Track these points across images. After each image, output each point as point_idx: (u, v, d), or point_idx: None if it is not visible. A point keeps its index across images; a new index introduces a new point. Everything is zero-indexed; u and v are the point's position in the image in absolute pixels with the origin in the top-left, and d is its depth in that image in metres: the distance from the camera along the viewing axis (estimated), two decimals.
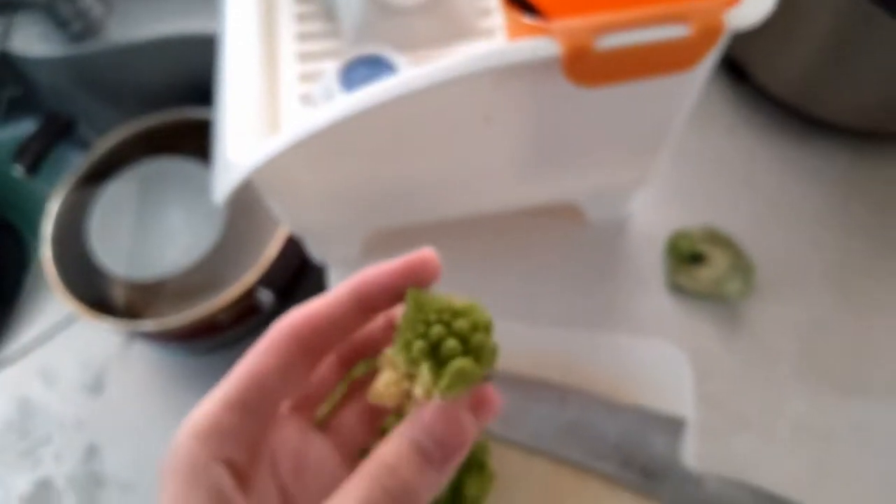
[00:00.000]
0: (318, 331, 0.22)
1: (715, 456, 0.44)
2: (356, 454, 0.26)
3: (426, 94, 0.29)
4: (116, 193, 0.54)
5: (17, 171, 0.51)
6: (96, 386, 0.54)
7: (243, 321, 0.52)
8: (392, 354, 0.20)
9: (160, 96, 0.55)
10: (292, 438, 0.24)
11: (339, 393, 0.26)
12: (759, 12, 0.28)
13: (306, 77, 0.41)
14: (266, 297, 0.50)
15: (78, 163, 0.53)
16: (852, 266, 0.51)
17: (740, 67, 0.56)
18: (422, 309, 0.19)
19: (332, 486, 0.24)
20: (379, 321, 0.25)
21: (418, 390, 0.19)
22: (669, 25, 0.28)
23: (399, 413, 0.34)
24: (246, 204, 0.51)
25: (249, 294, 0.49)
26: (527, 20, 0.30)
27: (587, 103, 0.33)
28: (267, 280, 0.49)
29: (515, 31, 0.31)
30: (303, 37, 0.43)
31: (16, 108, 0.55)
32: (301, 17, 0.43)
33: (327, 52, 0.42)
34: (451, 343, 0.19)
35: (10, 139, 0.54)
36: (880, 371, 0.47)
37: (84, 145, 0.57)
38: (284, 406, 0.24)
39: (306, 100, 0.40)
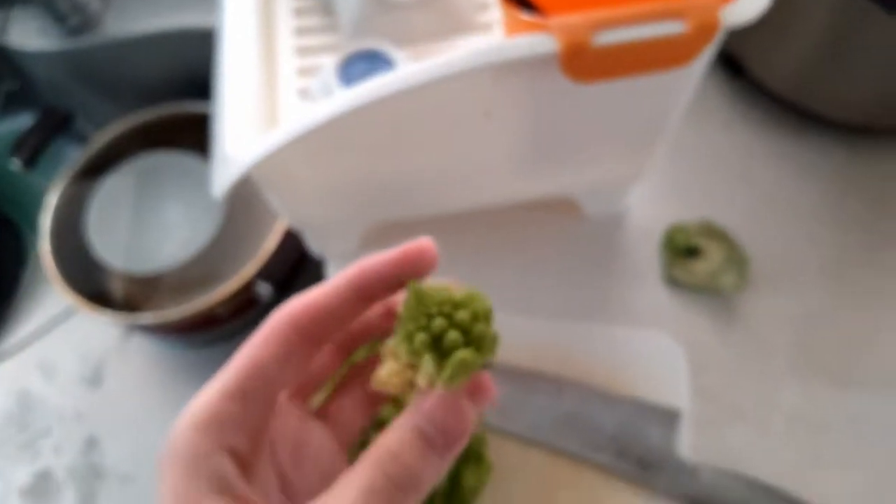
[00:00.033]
0: (317, 319, 0.22)
1: (710, 447, 0.44)
2: (353, 442, 0.26)
3: (425, 90, 0.30)
4: (114, 187, 0.54)
5: (15, 164, 0.51)
6: (95, 378, 0.54)
7: (242, 314, 0.52)
8: (394, 345, 0.20)
9: (158, 90, 0.55)
10: (291, 426, 0.24)
11: (335, 380, 0.26)
12: (755, 9, 0.29)
13: (304, 71, 0.41)
14: (265, 290, 0.50)
15: (75, 157, 0.53)
16: (847, 259, 0.51)
17: (737, 63, 0.56)
18: (423, 301, 0.20)
19: (330, 473, 0.24)
20: (376, 308, 0.25)
21: (421, 380, 0.19)
22: (666, 22, 0.29)
23: (397, 401, 0.35)
24: (244, 197, 0.51)
25: (248, 287, 0.49)
26: (525, 17, 0.30)
27: (585, 99, 0.34)
28: (265, 273, 0.49)
29: (513, 28, 0.31)
30: (301, 31, 0.43)
31: (13, 102, 0.55)
32: (299, 12, 0.43)
33: (325, 47, 0.42)
34: (453, 335, 0.19)
35: (8, 133, 0.54)
36: (874, 363, 0.47)
37: (81, 139, 0.57)
38: (283, 394, 0.24)
39: (304, 94, 0.40)
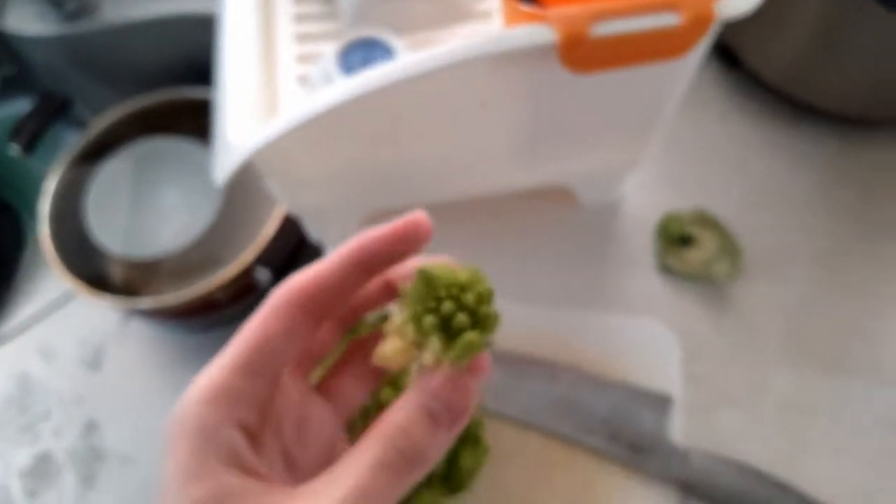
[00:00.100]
0: (320, 294, 0.22)
1: (701, 432, 0.45)
2: (352, 418, 0.26)
3: (424, 79, 0.30)
4: (113, 172, 0.54)
5: (13, 149, 0.51)
6: (95, 362, 0.54)
7: (241, 299, 0.52)
8: (400, 324, 0.21)
9: (156, 76, 0.55)
10: (293, 401, 0.24)
11: (335, 355, 0.27)
12: (749, 2, 0.29)
13: (304, 58, 0.42)
14: (263, 275, 0.51)
15: (74, 142, 0.53)
16: (838, 249, 0.52)
17: (733, 54, 0.57)
18: (431, 284, 0.20)
19: (330, 449, 0.25)
20: (373, 283, 0.25)
21: (428, 358, 0.20)
22: (662, 14, 0.29)
23: (395, 383, 0.35)
24: (243, 183, 0.51)
25: (247, 273, 0.49)
26: (524, 7, 0.31)
27: (582, 89, 0.34)
28: (264, 259, 0.50)
29: (512, 18, 0.32)
30: (300, 18, 0.43)
31: (10, 87, 0.55)
32: None
33: (325, 34, 0.42)
34: (462, 318, 0.20)
35: (6, 118, 0.53)
36: (864, 351, 0.48)
37: (80, 124, 0.57)
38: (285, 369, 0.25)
39: (304, 81, 0.41)
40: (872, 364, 0.48)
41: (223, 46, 0.38)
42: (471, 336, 0.20)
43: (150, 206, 0.53)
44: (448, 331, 0.20)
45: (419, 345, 0.21)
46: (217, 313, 0.52)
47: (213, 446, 0.20)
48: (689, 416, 0.46)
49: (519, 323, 0.47)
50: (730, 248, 0.50)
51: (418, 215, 0.23)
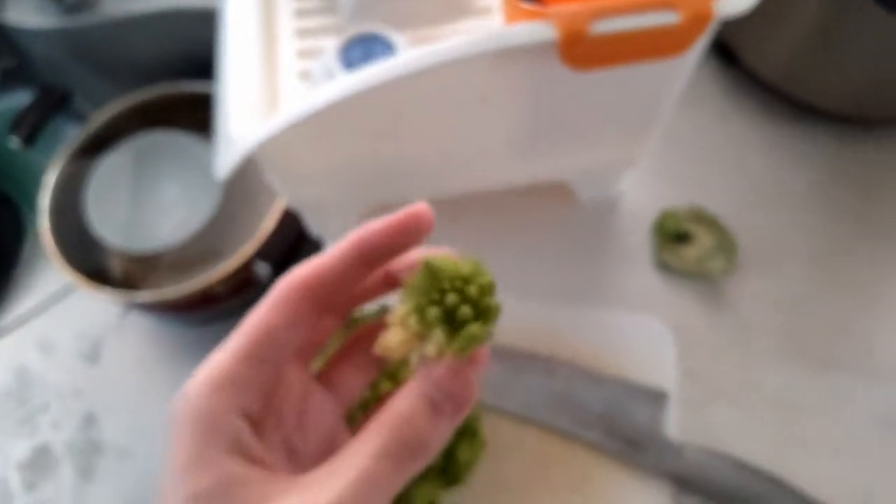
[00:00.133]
0: (324, 285, 0.23)
1: (696, 427, 0.46)
2: (352, 408, 0.26)
3: (425, 75, 0.30)
4: (113, 166, 0.54)
5: (14, 142, 0.51)
6: (93, 355, 0.55)
7: (240, 293, 0.52)
8: (404, 315, 0.21)
9: (156, 69, 0.55)
10: (295, 391, 0.24)
11: (335, 345, 0.27)
12: (747, 1, 0.30)
13: (304, 53, 0.42)
14: (263, 269, 0.51)
15: (74, 135, 0.53)
16: (832, 247, 0.52)
17: (731, 52, 0.57)
18: (435, 276, 0.21)
19: (331, 438, 0.25)
20: (374, 274, 0.25)
21: (431, 350, 0.20)
22: (661, 12, 0.29)
23: (392, 374, 0.35)
24: (243, 177, 0.52)
25: (246, 267, 0.50)
26: (524, 5, 0.31)
27: (581, 86, 0.34)
28: (264, 253, 0.50)
29: (513, 16, 0.32)
30: (301, 13, 0.43)
31: (10, 80, 0.55)
32: None
33: (325, 29, 0.42)
34: (465, 310, 0.20)
35: (6, 110, 0.53)
36: (856, 348, 0.49)
37: (80, 118, 0.57)
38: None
39: (305, 76, 0.41)
40: (865, 361, 0.48)
41: (224, 41, 0.39)
42: (474, 328, 0.20)
43: (149, 200, 0.54)
44: (451, 322, 0.20)
45: (422, 336, 0.21)
46: (216, 307, 0.53)
47: (218, 434, 0.20)
48: (684, 411, 0.46)
49: (517, 318, 0.48)
50: (726, 245, 0.51)
51: (420, 207, 0.23)
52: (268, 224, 0.50)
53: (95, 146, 0.54)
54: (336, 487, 0.19)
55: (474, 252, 0.22)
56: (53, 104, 0.54)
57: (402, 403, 0.21)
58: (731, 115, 0.57)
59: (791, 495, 0.42)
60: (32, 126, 0.52)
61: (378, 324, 0.26)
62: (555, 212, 0.53)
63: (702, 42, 0.33)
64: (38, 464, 0.51)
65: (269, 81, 0.40)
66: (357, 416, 0.26)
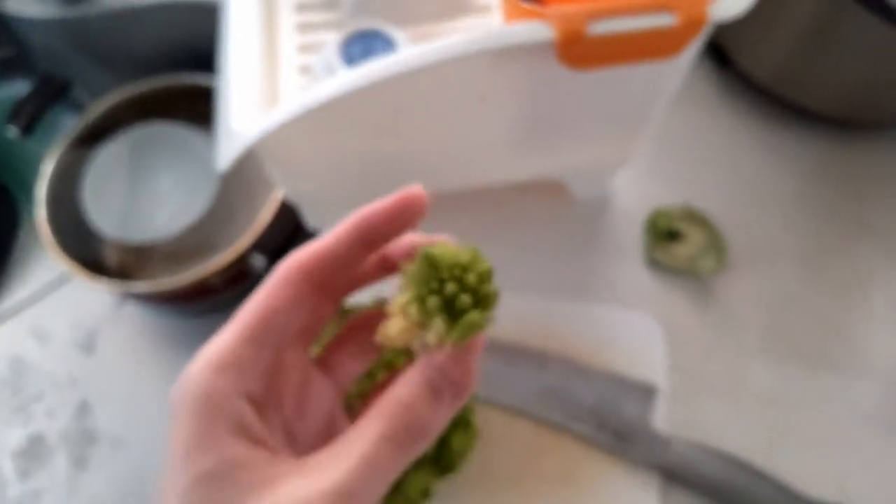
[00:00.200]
0: (324, 267, 0.23)
1: (684, 421, 0.47)
2: (349, 393, 0.26)
3: (425, 72, 0.31)
4: (110, 156, 0.54)
5: (12, 131, 0.51)
6: (88, 345, 0.55)
7: (236, 285, 0.53)
8: (404, 304, 0.21)
9: (154, 61, 0.55)
10: (295, 375, 0.24)
11: (331, 331, 0.27)
12: (741, 5, 0.30)
13: (305, 48, 0.42)
14: (259, 261, 0.51)
15: (72, 125, 0.53)
16: (821, 247, 0.53)
17: (725, 54, 0.57)
18: (434, 266, 0.21)
19: (329, 423, 0.25)
20: (371, 258, 0.25)
21: (431, 338, 0.21)
22: (657, 14, 0.30)
23: (389, 363, 0.36)
24: (240, 170, 0.52)
25: (242, 259, 0.50)
26: (524, 4, 0.32)
27: (578, 85, 0.35)
28: (260, 245, 0.50)
29: (512, 15, 0.33)
30: (301, 8, 0.43)
31: (9, 69, 0.55)
32: None
33: (326, 24, 0.43)
34: (464, 298, 0.20)
35: (4, 99, 0.53)
36: (842, 346, 0.50)
37: (78, 108, 0.57)
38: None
39: (305, 71, 0.41)
40: (849, 358, 0.49)
41: (226, 34, 0.39)
42: (473, 315, 0.20)
43: (146, 191, 0.54)
44: (451, 311, 0.20)
45: (422, 324, 0.21)
46: (212, 298, 0.53)
47: (221, 416, 0.20)
48: (672, 406, 0.47)
49: (511, 313, 0.48)
50: (716, 244, 0.51)
51: (414, 188, 0.23)
52: (264, 216, 0.50)
53: (93, 137, 0.54)
54: (339, 471, 0.19)
55: (471, 245, 0.22)
56: (52, 94, 0.54)
57: (404, 390, 0.21)
58: (724, 117, 0.58)
59: (775, 488, 0.43)
60: (31, 116, 0.52)
61: (374, 311, 0.26)
62: (549, 208, 0.53)
63: (696, 44, 0.34)
64: (32, 452, 0.51)
65: (270, 75, 0.41)
66: (355, 404, 0.27)
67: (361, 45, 0.39)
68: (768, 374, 0.49)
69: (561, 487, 0.44)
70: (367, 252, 0.23)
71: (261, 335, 0.22)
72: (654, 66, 0.34)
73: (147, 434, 0.51)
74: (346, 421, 0.26)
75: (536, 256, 0.52)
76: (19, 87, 0.54)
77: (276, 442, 0.22)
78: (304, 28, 0.43)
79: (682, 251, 0.51)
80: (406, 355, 0.23)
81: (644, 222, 0.53)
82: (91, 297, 0.56)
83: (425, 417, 0.21)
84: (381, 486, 0.20)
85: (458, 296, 0.20)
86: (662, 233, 0.52)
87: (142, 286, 0.49)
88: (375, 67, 0.31)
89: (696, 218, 0.53)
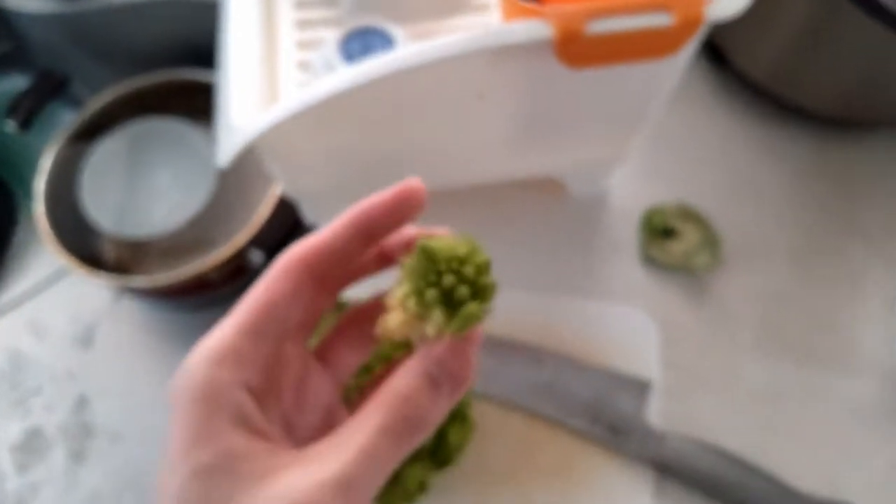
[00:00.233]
0: (323, 260, 0.23)
1: (677, 416, 0.47)
2: (347, 385, 0.26)
3: (425, 70, 0.31)
4: (108, 151, 0.54)
5: (10, 126, 0.51)
6: (86, 339, 0.55)
7: (234, 280, 0.53)
8: (402, 298, 0.21)
9: (153, 57, 0.56)
10: (293, 366, 0.24)
11: (331, 323, 0.27)
12: (737, 6, 0.31)
13: (304, 45, 0.42)
14: (257, 257, 0.51)
15: (70, 120, 0.53)
16: (814, 244, 0.54)
17: (721, 53, 0.58)
18: (431, 259, 0.21)
19: (328, 415, 0.25)
20: (369, 251, 0.25)
21: (430, 330, 0.21)
22: (654, 14, 0.30)
23: (385, 356, 0.36)
24: (238, 165, 0.52)
25: (240, 254, 0.50)
26: (523, 3, 0.32)
27: (575, 83, 0.35)
28: (258, 240, 0.50)
29: (511, 13, 0.33)
30: (301, 4, 0.43)
31: (7, 64, 0.55)
32: None
33: (325, 21, 0.43)
34: (463, 290, 0.20)
35: (2, 94, 0.53)
36: (832, 340, 0.50)
37: (76, 103, 0.57)
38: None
39: (304, 67, 0.41)
40: (842, 354, 0.50)
41: (226, 30, 0.39)
42: (472, 307, 0.20)
43: (144, 186, 0.54)
44: (449, 303, 0.21)
45: (421, 317, 0.21)
46: (210, 293, 0.53)
47: (221, 406, 0.20)
48: (666, 401, 0.48)
49: (507, 308, 0.49)
50: (710, 240, 0.52)
51: (413, 181, 0.23)
52: (262, 212, 0.50)
53: (91, 132, 0.54)
54: (339, 462, 0.20)
55: None
56: (50, 89, 0.54)
57: (402, 382, 0.21)
58: (720, 115, 0.59)
59: (767, 482, 0.43)
60: (29, 110, 0.52)
61: (371, 304, 0.26)
62: (546, 205, 0.54)
63: (693, 43, 0.34)
64: (31, 446, 0.51)
65: (269, 71, 0.41)
66: (353, 398, 0.27)
67: (360, 42, 0.39)
68: (761, 369, 0.49)
69: (556, 481, 0.45)
70: (367, 245, 0.23)
71: (260, 327, 0.22)
72: (652, 65, 0.34)
73: (145, 428, 0.51)
74: (345, 413, 0.26)
75: (533, 253, 0.53)
76: (18, 82, 0.54)
77: (275, 433, 0.22)
78: (303, 24, 0.43)
79: (677, 248, 0.52)
80: (403, 348, 0.23)
81: (639, 219, 0.54)
82: (89, 291, 0.56)
83: (424, 409, 0.21)
84: (380, 477, 0.20)
85: (456, 288, 0.20)
86: (658, 230, 0.52)
87: (140, 281, 0.49)
88: (375, 65, 0.32)
89: (691, 215, 0.53)
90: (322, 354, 0.26)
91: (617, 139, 0.44)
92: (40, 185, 0.51)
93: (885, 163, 0.57)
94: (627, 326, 0.49)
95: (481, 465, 0.45)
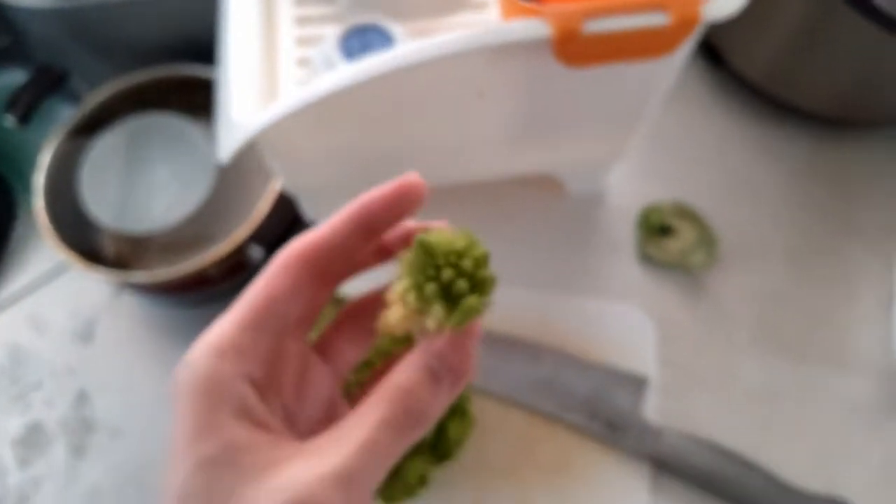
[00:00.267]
0: (324, 255, 0.23)
1: (674, 412, 0.47)
2: (346, 379, 0.26)
3: (425, 68, 0.31)
4: (107, 146, 0.54)
5: (9, 120, 0.51)
6: (86, 334, 0.55)
7: (233, 276, 0.53)
8: (402, 293, 0.21)
9: (152, 52, 0.56)
10: (293, 360, 0.24)
11: (330, 317, 0.27)
12: (733, 6, 0.31)
13: (303, 41, 0.42)
14: (257, 253, 0.51)
15: (69, 115, 0.53)
16: (808, 242, 0.54)
17: (717, 53, 0.58)
18: (430, 253, 0.21)
19: (329, 408, 0.25)
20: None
21: (430, 324, 0.21)
22: (651, 14, 0.31)
23: (386, 350, 0.36)
24: (237, 161, 0.52)
25: (240, 250, 0.50)
26: (522, 2, 0.32)
27: (573, 82, 0.36)
28: (258, 236, 0.50)
29: (510, 12, 0.33)
30: (300, 1, 0.44)
31: (6, 58, 0.55)
32: None
33: (324, 17, 0.43)
34: (461, 284, 0.20)
35: (1, 88, 0.53)
36: (827, 340, 0.51)
37: (75, 98, 0.57)
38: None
39: (303, 63, 0.42)
40: (838, 353, 0.50)
41: (226, 25, 0.39)
42: (471, 301, 0.20)
43: (143, 182, 0.54)
44: (449, 297, 0.21)
45: (421, 311, 0.21)
46: (209, 289, 0.53)
47: (224, 399, 0.20)
48: (663, 398, 0.48)
49: (506, 305, 0.49)
50: (707, 239, 0.52)
51: (412, 176, 0.23)
52: (262, 207, 0.50)
53: (90, 127, 0.54)
54: (340, 454, 0.20)
55: None
56: (49, 84, 0.54)
57: (403, 375, 0.21)
58: (717, 115, 0.59)
59: (764, 478, 0.44)
60: (28, 105, 0.52)
61: (370, 298, 0.26)
62: (544, 203, 0.54)
63: (689, 43, 0.34)
64: (32, 441, 0.51)
65: (269, 67, 0.41)
66: (354, 393, 0.27)
67: (360, 39, 0.39)
68: (757, 367, 0.50)
69: (554, 476, 0.45)
70: (366, 240, 0.23)
71: (261, 321, 0.22)
72: (648, 64, 0.34)
73: (145, 423, 0.51)
74: (346, 406, 0.26)
75: (532, 250, 0.53)
76: (17, 77, 0.54)
77: (277, 425, 0.22)
78: (303, 21, 0.43)
79: (673, 246, 0.52)
80: (403, 343, 0.23)
81: (636, 217, 0.54)
82: (89, 286, 0.56)
83: (425, 402, 0.21)
84: (381, 471, 0.21)
85: (455, 282, 0.21)
86: (655, 228, 0.53)
87: (140, 276, 0.49)
88: (374, 63, 0.32)
89: (687, 214, 0.53)
90: (322, 348, 0.26)
91: (614, 137, 0.44)
92: (40, 179, 0.51)
93: (880, 162, 0.57)
94: (625, 324, 0.49)
95: (481, 460, 0.46)
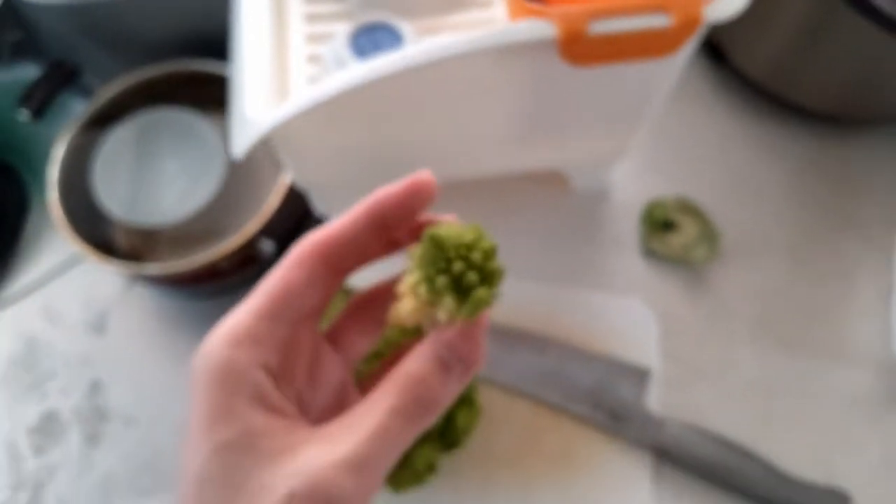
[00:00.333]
0: (338, 248, 0.23)
1: (676, 403, 0.48)
2: (356, 368, 0.27)
3: (433, 68, 0.32)
4: (119, 140, 0.55)
5: (23, 115, 0.52)
6: (99, 326, 0.56)
7: (244, 269, 0.54)
8: (413, 285, 0.22)
9: (162, 47, 0.56)
10: (306, 348, 0.24)
11: (341, 306, 0.28)
12: (734, 8, 0.32)
13: (313, 38, 0.43)
14: (267, 246, 0.52)
15: (81, 109, 0.54)
16: (808, 238, 0.54)
17: (720, 51, 0.58)
18: (440, 246, 0.21)
19: (340, 395, 0.26)
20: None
21: (441, 316, 0.22)
22: (654, 15, 0.31)
23: (395, 341, 0.37)
24: (248, 155, 0.53)
25: (251, 244, 0.51)
26: (528, 3, 0.33)
27: (578, 81, 0.36)
28: (268, 230, 0.51)
29: (517, 13, 0.34)
30: None
31: (19, 53, 0.56)
32: None
33: (334, 15, 0.43)
34: (471, 276, 0.21)
35: (14, 83, 0.54)
36: (825, 333, 0.51)
37: (87, 92, 0.57)
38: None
39: (314, 60, 0.42)
40: (836, 346, 0.51)
41: (238, 22, 0.40)
42: (481, 292, 0.21)
43: (154, 175, 0.54)
44: (459, 289, 0.21)
45: (432, 303, 0.22)
46: (220, 281, 0.54)
47: (240, 386, 0.21)
48: (665, 389, 0.49)
49: (513, 298, 0.49)
50: (709, 234, 0.53)
51: (424, 174, 0.24)
52: (272, 201, 0.51)
53: (102, 121, 0.55)
54: (353, 441, 0.20)
55: None
56: (62, 78, 0.54)
57: (414, 365, 0.22)
58: (719, 112, 0.59)
59: (764, 468, 0.45)
60: (41, 99, 0.53)
61: (378, 289, 0.27)
62: (550, 199, 0.54)
63: (692, 43, 0.35)
64: (46, 429, 0.52)
65: (280, 64, 0.41)
66: (364, 381, 0.28)
67: (369, 37, 0.40)
68: (758, 359, 0.50)
69: (558, 464, 0.46)
70: (379, 235, 0.24)
71: (277, 311, 0.22)
72: (651, 63, 0.35)
73: (157, 412, 0.52)
74: (357, 393, 0.27)
75: (538, 244, 0.54)
76: (30, 72, 0.55)
77: (291, 411, 0.23)
78: (313, 18, 0.43)
79: (676, 241, 0.53)
80: (412, 334, 0.24)
81: (640, 213, 0.54)
82: (102, 278, 0.57)
83: (435, 391, 0.22)
84: (391, 458, 0.21)
85: (465, 274, 0.21)
86: (658, 223, 0.53)
87: (152, 268, 0.49)
88: (385, 62, 0.32)
89: (690, 209, 0.54)
90: (333, 338, 0.27)
91: (618, 135, 0.45)
92: (54, 172, 0.52)
93: (881, 159, 0.57)
94: (628, 317, 0.50)
95: (487, 449, 0.47)
